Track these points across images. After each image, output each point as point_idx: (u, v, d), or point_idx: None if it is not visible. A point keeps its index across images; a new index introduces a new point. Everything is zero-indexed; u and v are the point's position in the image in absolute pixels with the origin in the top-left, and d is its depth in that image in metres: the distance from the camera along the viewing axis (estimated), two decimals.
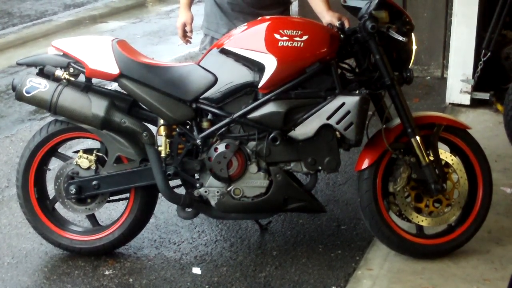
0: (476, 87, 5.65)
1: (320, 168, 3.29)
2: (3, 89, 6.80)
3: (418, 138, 3.23)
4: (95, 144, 3.52)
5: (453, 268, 3.28)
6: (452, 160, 3.36)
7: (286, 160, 3.30)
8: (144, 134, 3.29)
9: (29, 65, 3.41)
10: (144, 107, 3.39)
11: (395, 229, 3.33)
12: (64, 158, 3.53)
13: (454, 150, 3.41)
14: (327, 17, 3.51)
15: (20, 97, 3.30)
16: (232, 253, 3.53)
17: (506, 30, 5.79)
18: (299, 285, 3.22)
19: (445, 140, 3.38)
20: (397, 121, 3.29)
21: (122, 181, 3.39)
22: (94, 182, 3.38)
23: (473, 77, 5.58)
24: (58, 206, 3.58)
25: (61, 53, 3.35)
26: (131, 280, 3.32)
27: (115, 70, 3.24)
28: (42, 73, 3.36)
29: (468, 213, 3.38)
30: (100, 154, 3.43)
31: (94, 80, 3.35)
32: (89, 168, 3.41)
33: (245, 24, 3.35)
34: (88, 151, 3.44)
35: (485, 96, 5.59)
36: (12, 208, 4.12)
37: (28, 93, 3.28)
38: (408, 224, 3.42)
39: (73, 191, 3.38)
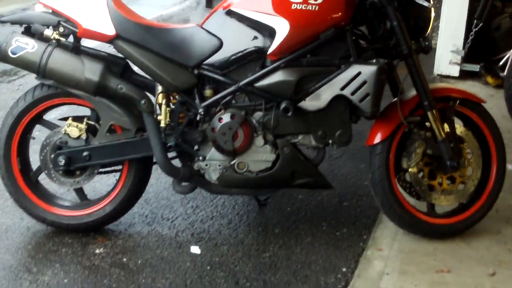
0: (465, 59, 5.51)
1: (330, 141, 3.08)
2: None
3: (434, 111, 3.03)
4: (85, 112, 3.23)
5: (465, 249, 3.12)
6: (466, 135, 3.18)
7: (294, 133, 3.08)
8: (143, 102, 3.02)
9: (14, 22, 3.06)
10: (140, 72, 3.11)
11: (407, 207, 3.15)
12: (50, 126, 3.23)
13: (468, 124, 3.23)
14: None
15: (4, 58, 2.99)
16: (231, 230, 3.31)
17: (496, 1, 5.63)
18: (307, 266, 3.02)
19: (458, 113, 3.20)
20: (412, 93, 3.10)
21: (116, 152, 3.12)
22: (85, 153, 3.11)
23: (463, 48, 5.43)
24: (42, 178, 3.29)
25: (50, 11, 3.03)
26: (124, 259, 3.06)
27: (111, 31, 2.95)
28: (28, 32, 3.05)
29: (481, 190, 3.22)
30: (91, 123, 3.15)
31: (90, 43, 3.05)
32: (79, 137, 3.13)
33: None
34: (77, 118, 3.16)
35: (475, 68, 5.46)
36: None
37: (14, 53, 2.97)
38: (417, 202, 3.24)
39: (62, 162, 3.09)
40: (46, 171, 3.18)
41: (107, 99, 3.05)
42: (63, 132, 3.12)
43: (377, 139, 3.08)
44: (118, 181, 3.22)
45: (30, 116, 3.14)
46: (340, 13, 2.94)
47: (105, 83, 2.98)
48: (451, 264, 2.99)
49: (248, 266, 3.01)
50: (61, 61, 2.97)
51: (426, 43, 3.08)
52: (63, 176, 3.17)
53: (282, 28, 2.90)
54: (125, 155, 3.13)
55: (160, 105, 3.06)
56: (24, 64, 2.99)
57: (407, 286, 2.82)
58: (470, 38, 5.33)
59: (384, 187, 3.10)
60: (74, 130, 3.11)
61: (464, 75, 5.50)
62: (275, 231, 3.29)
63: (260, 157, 3.07)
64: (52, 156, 3.14)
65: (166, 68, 3.00)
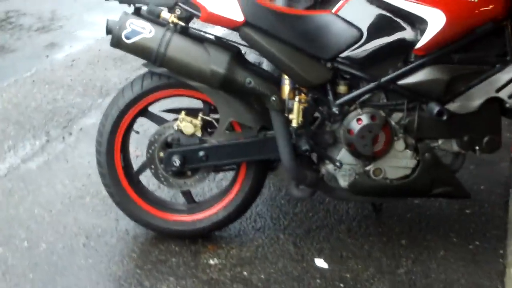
0: None
1: (477, 147, 2.75)
2: (3, 17, 5.97)
3: None
4: (193, 104, 2.89)
5: None
6: None
7: (437, 137, 2.75)
8: (273, 98, 2.67)
9: (124, 1, 2.70)
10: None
11: None
12: (157, 119, 2.89)
13: None
14: None
15: (117, 43, 2.62)
16: (352, 239, 2.99)
17: None
18: (449, 286, 2.71)
19: None
20: None
21: (236, 153, 2.78)
22: (201, 153, 2.76)
23: None
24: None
25: None
26: (245, 273, 2.75)
27: (239, 17, 2.58)
28: (138, 14, 2.68)
29: None
30: (208, 118, 2.79)
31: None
32: (193, 134, 2.78)
33: None
34: (190, 113, 2.80)
35: None
36: (65, 170, 3.47)
37: (128, 38, 2.60)
38: None
39: (177, 162, 2.75)
40: (153, 171, 2.84)
41: (229, 93, 2.70)
42: (176, 127, 2.77)
43: None
44: (233, 183, 2.89)
45: (138, 108, 2.80)
46: (500, 6, 2.58)
47: (233, 76, 2.62)
48: None
49: (385, 284, 2.70)
50: (183, 49, 2.61)
51: None
52: (173, 177, 2.84)
53: (436, 20, 2.55)
54: (246, 156, 2.79)
55: (287, 102, 2.70)
56: (139, 50, 2.62)
57: None
58: None
59: None
60: (188, 126, 2.76)
61: None
62: (402, 242, 2.98)
63: (399, 163, 2.74)
64: (162, 154, 2.80)
65: (299, 61, 2.65)
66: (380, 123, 2.67)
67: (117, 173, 2.85)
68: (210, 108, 2.82)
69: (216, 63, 2.60)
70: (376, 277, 2.74)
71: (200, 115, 2.78)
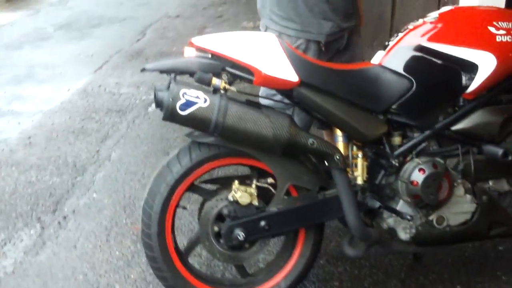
0: None
1: None
2: None
3: None
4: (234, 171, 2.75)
5: None
6: None
7: (490, 178, 2.76)
8: (337, 157, 2.58)
9: (165, 71, 2.53)
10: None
11: None
12: (204, 192, 2.71)
13: None
14: None
15: (171, 116, 2.42)
16: None
17: None
18: None
19: None
20: None
21: (299, 218, 2.66)
22: (263, 223, 2.61)
23: None
24: None
25: (208, 55, 2.53)
26: None
27: (294, 77, 2.49)
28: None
29: None
30: (264, 185, 2.65)
31: None
32: (249, 204, 2.63)
33: (435, 14, 2.74)
34: (242, 182, 2.65)
35: None
36: (78, 257, 3.20)
37: (183, 110, 2.42)
38: None
39: (241, 236, 2.59)
40: (208, 247, 2.66)
41: (286, 157, 2.58)
42: (231, 198, 2.61)
43: None
44: (292, 249, 2.75)
45: (188, 183, 2.61)
46: None
47: (296, 138, 2.51)
48: None
49: None
50: (241, 115, 2.46)
51: None
52: (231, 251, 2.66)
53: (487, 63, 2.57)
54: (309, 220, 2.68)
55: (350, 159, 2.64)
56: (195, 122, 2.45)
57: None
58: None
59: None
60: (244, 195, 2.61)
61: None
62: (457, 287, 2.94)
63: (461, 208, 2.72)
64: (217, 228, 2.63)
65: (355, 115, 2.59)
66: (442, 170, 2.64)
67: (171, 256, 2.64)
68: (258, 174, 2.69)
69: (278, 127, 2.48)
70: None
71: (255, 182, 2.64)
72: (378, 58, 2.72)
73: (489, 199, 2.74)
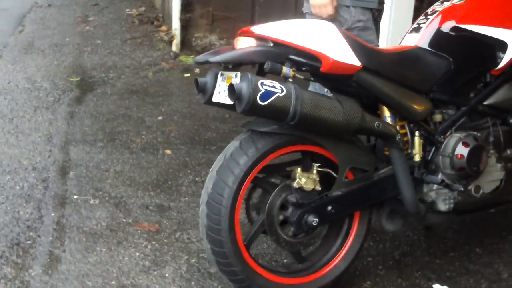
0: None
1: None
2: None
3: None
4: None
5: None
6: None
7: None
8: (399, 137, 2.67)
9: (229, 62, 2.49)
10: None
11: None
12: (266, 183, 2.69)
13: None
14: None
15: (252, 107, 2.38)
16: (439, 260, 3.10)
17: None
18: None
19: None
20: None
21: (360, 199, 2.73)
22: (329, 207, 2.65)
23: None
24: None
25: (270, 43, 2.51)
26: None
27: (357, 62, 2.55)
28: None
29: None
30: (325, 170, 2.68)
31: None
32: (313, 190, 2.65)
33: None
34: (304, 168, 2.66)
35: None
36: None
37: (264, 100, 2.39)
38: None
39: (315, 221, 2.60)
40: (273, 236, 2.65)
41: (345, 141, 2.64)
42: (296, 186, 2.61)
43: None
44: (348, 231, 2.80)
45: (254, 173, 2.58)
46: None
47: (365, 122, 2.57)
48: None
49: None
50: (316, 103, 2.47)
51: None
52: (295, 238, 2.68)
53: None
54: (369, 200, 2.76)
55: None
56: (275, 111, 2.42)
57: None
58: None
59: None
60: (309, 181, 2.62)
61: None
62: (476, 250, 3.17)
63: (492, 176, 2.93)
64: (282, 217, 2.62)
65: (408, 96, 2.72)
66: (482, 143, 2.82)
67: (240, 249, 2.60)
68: (310, 159, 2.70)
69: (349, 112, 2.52)
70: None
71: (316, 168, 2.66)
72: (411, 39, 2.84)
73: None
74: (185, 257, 3.06)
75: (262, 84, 2.38)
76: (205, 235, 2.58)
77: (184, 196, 3.63)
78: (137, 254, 3.08)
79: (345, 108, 2.51)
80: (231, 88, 2.39)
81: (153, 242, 3.17)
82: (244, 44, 2.54)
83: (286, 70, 2.46)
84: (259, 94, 2.37)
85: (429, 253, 3.15)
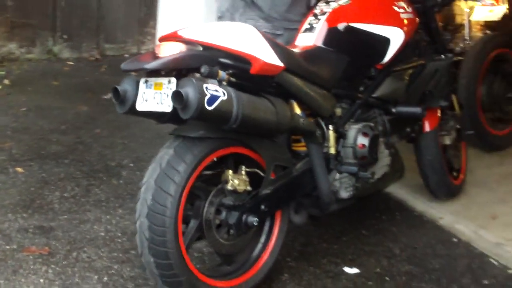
0: None
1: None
2: None
3: None
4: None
5: None
6: None
7: (393, 133, 3.29)
8: (319, 132, 2.81)
9: (169, 69, 2.44)
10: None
11: None
12: (200, 189, 2.65)
13: None
14: None
15: (201, 112, 2.34)
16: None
17: None
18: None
19: None
20: None
21: (287, 194, 2.82)
22: (263, 206, 2.70)
23: None
24: None
25: (200, 48, 2.51)
26: None
27: (280, 63, 2.64)
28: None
29: None
30: (253, 170, 2.71)
31: None
32: (244, 191, 2.68)
33: None
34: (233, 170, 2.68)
35: None
36: None
37: (210, 105, 2.37)
38: None
39: (256, 221, 2.64)
40: (209, 238, 2.63)
41: (269, 140, 2.72)
42: (231, 188, 2.63)
43: None
44: (271, 227, 2.87)
45: (193, 179, 2.54)
46: (417, 18, 3.28)
47: (294, 120, 2.67)
48: None
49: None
50: (253, 105, 2.52)
51: None
52: (233, 240, 2.69)
53: (397, 37, 3.12)
54: (293, 195, 2.85)
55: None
56: (219, 115, 2.41)
57: None
58: None
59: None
60: (241, 183, 2.65)
61: None
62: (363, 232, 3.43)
63: (383, 162, 3.20)
64: (218, 221, 2.63)
65: (320, 94, 2.88)
66: (377, 131, 3.07)
67: (185, 259, 2.54)
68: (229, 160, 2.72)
69: (281, 112, 2.60)
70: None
71: (244, 169, 2.69)
72: (307, 39, 3.00)
73: (395, 149, 3.28)
74: (95, 277, 2.88)
75: (206, 88, 2.36)
76: (147, 249, 2.48)
77: (60, 214, 3.40)
78: (41, 280, 2.83)
79: (277, 108, 2.59)
80: (178, 94, 2.33)
81: (53, 266, 2.94)
82: (170, 49, 2.48)
83: (222, 73, 2.46)
84: (206, 99, 2.34)
85: (325, 241, 3.33)
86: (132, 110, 2.53)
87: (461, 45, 4.97)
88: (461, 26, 5.13)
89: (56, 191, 3.64)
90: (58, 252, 3.06)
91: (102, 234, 3.24)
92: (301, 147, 2.93)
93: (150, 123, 4.11)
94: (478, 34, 5.14)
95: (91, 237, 3.21)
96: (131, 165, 3.98)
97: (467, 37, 5.03)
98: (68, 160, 4.02)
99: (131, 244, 3.12)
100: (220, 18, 3.37)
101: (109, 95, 4.85)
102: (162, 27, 6.31)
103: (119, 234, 3.24)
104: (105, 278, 2.88)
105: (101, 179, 3.79)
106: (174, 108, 2.38)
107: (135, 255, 3.02)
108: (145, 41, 6.41)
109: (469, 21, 5.04)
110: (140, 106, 2.51)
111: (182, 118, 2.40)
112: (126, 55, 6.34)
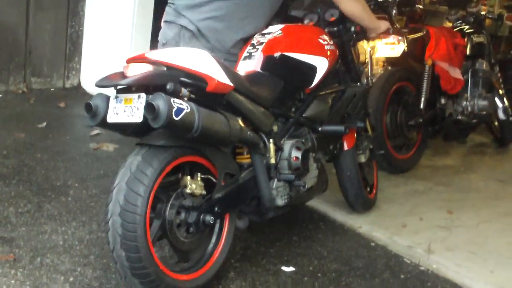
0: None
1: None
2: None
3: None
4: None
5: None
6: None
7: (319, 149, 3.78)
8: (262, 144, 3.25)
9: (133, 85, 2.83)
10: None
11: None
12: (162, 191, 3.03)
13: None
14: None
15: (169, 122, 2.72)
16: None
17: None
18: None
19: None
20: None
21: (235, 199, 3.25)
22: (216, 207, 3.11)
23: None
24: None
25: (164, 68, 2.92)
26: None
27: (230, 83, 3.08)
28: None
29: None
30: (207, 176, 3.12)
31: None
32: (200, 194, 3.08)
33: (278, 30, 3.60)
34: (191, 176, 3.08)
35: None
36: None
37: (177, 116, 2.77)
38: None
39: (212, 220, 3.05)
40: (172, 238, 3.01)
41: (220, 149, 3.14)
42: (189, 191, 3.02)
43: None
44: (221, 228, 3.26)
45: (158, 183, 2.92)
46: (337, 50, 3.83)
47: (242, 132, 3.10)
48: None
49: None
50: (209, 117, 2.93)
51: None
52: (191, 238, 3.08)
53: (323, 65, 3.64)
54: (241, 199, 3.26)
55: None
56: (183, 125, 2.80)
57: None
58: None
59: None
60: (198, 187, 3.05)
61: None
62: (294, 239, 3.88)
63: (312, 174, 3.68)
64: (179, 220, 3.02)
65: (261, 112, 3.32)
66: (308, 146, 3.55)
67: (152, 253, 2.88)
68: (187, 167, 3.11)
69: (233, 125, 3.02)
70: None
71: (200, 175, 3.08)
72: (247, 66, 3.46)
73: (322, 165, 3.77)
74: (62, 278, 3.16)
75: (174, 102, 2.76)
76: (119, 244, 2.81)
77: (19, 227, 3.63)
78: (12, 281, 3.09)
79: (230, 122, 3.01)
80: (150, 106, 2.71)
81: (21, 270, 3.18)
82: (136, 69, 2.87)
83: (184, 90, 2.87)
84: (173, 110, 2.74)
85: (262, 245, 3.76)
86: (103, 122, 2.89)
87: (364, 81, 5.57)
88: (365, 63, 5.73)
89: (10, 207, 3.86)
90: (23, 258, 3.30)
91: (61, 243, 3.50)
92: (244, 159, 3.35)
93: (87, 148, 4.53)
94: (380, 70, 5.76)
95: (51, 245, 3.46)
96: (76, 185, 4.24)
97: (369, 74, 5.66)
98: (15, 180, 4.23)
99: (89, 250, 3.44)
100: (164, 45, 3.74)
101: (43, 124, 5.21)
102: (86, 63, 6.68)
103: (77, 243, 3.52)
104: (71, 279, 3.16)
105: (50, 197, 4.04)
106: (143, 119, 2.76)
107: (95, 259, 3.35)
108: (70, 76, 6.66)
109: (371, 58, 5.67)
110: (111, 118, 2.88)
111: (144, 131, 2.81)
112: (52, 89, 6.57)
